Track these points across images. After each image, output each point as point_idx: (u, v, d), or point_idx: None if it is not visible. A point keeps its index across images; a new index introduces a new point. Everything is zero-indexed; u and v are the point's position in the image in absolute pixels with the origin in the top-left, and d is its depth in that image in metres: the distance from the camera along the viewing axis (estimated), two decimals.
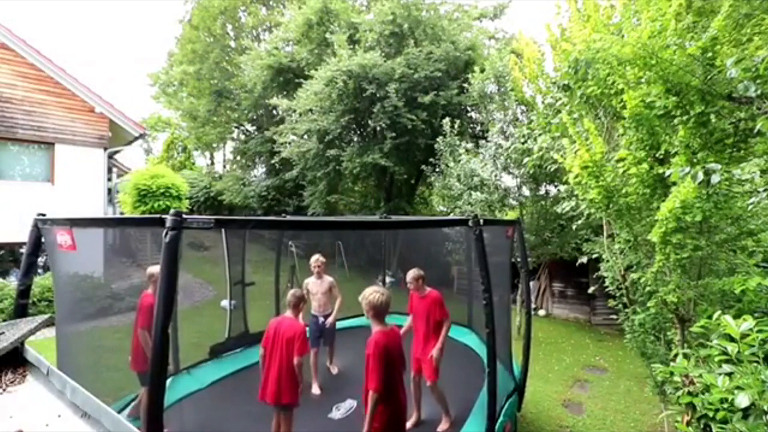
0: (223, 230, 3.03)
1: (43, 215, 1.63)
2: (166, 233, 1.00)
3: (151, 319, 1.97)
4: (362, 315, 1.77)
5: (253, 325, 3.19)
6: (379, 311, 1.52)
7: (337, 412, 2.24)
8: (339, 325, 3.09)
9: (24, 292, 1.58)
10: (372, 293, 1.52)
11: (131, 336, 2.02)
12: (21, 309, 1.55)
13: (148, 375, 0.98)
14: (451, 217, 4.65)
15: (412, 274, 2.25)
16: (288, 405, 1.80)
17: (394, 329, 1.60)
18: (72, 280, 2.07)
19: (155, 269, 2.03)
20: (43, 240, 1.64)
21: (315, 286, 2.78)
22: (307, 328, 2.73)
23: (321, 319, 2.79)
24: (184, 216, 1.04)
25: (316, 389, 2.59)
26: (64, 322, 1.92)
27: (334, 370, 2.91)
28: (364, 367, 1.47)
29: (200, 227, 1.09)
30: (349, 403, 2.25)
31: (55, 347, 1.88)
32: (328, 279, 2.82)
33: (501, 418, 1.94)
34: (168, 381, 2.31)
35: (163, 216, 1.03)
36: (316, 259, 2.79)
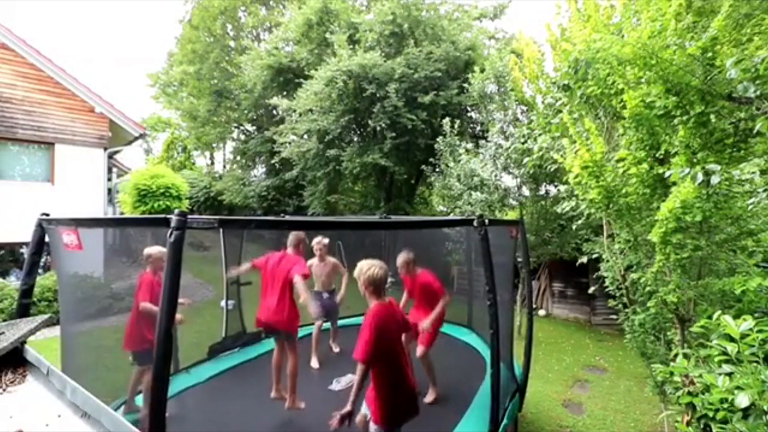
0: (221, 230, 3.03)
1: (47, 215, 1.63)
2: (171, 233, 1.00)
3: (151, 292, 1.96)
4: (364, 314, 1.76)
5: (250, 325, 3.19)
6: (378, 286, 1.46)
7: (338, 384, 2.25)
8: (340, 323, 3.10)
9: (27, 291, 1.57)
10: (369, 267, 1.46)
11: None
12: (23, 308, 1.54)
13: (152, 376, 0.98)
14: (454, 217, 4.65)
15: (401, 258, 2.23)
16: (290, 332, 1.76)
17: (392, 302, 1.54)
18: (80, 279, 2.06)
19: (152, 250, 2.03)
20: (46, 240, 1.65)
21: (318, 268, 2.73)
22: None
23: (325, 295, 2.76)
24: (188, 216, 1.04)
25: (315, 363, 2.58)
26: (69, 321, 1.92)
27: (336, 349, 2.89)
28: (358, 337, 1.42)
29: (204, 227, 1.08)
30: (350, 377, 2.26)
31: (55, 347, 1.88)
32: (331, 260, 2.81)
33: (504, 421, 1.94)
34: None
35: (168, 216, 1.03)
36: (318, 241, 2.73)
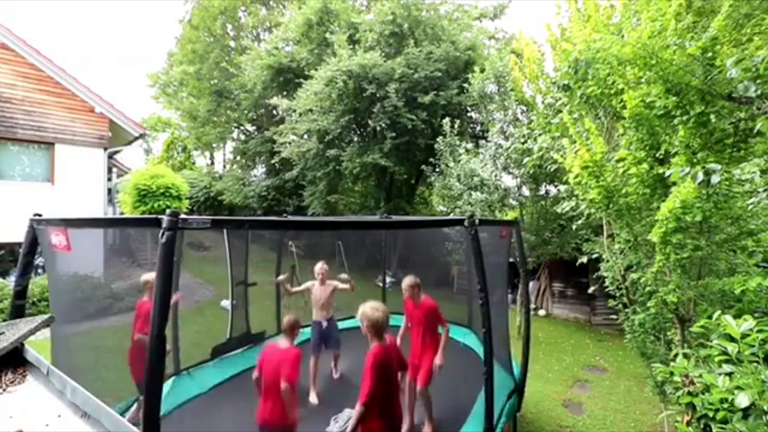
0: (225, 230, 3.03)
1: (39, 215, 1.62)
2: (163, 234, 0.99)
3: (148, 324, 1.97)
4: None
5: (255, 326, 3.19)
6: (379, 329, 1.52)
7: (335, 425, 2.20)
8: (339, 325, 3.09)
9: (20, 293, 1.57)
10: (372, 312, 1.52)
11: (129, 340, 2.01)
12: (18, 310, 1.54)
13: (145, 375, 0.98)
14: (449, 217, 4.65)
15: (407, 281, 2.24)
16: (287, 428, 1.77)
17: (392, 341, 1.60)
18: (66, 280, 2.05)
19: (150, 276, 2.01)
20: (39, 240, 1.64)
21: (319, 292, 2.77)
22: (310, 332, 2.75)
23: (324, 324, 2.78)
24: (181, 216, 1.03)
25: (313, 398, 2.54)
26: (59, 323, 1.90)
27: (336, 374, 2.89)
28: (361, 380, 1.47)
29: (197, 227, 1.08)
30: (348, 414, 2.23)
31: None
32: (331, 284, 2.80)
33: (502, 419, 1.94)
34: (170, 381, 2.33)
35: (159, 216, 1.02)
36: (320, 267, 2.79)
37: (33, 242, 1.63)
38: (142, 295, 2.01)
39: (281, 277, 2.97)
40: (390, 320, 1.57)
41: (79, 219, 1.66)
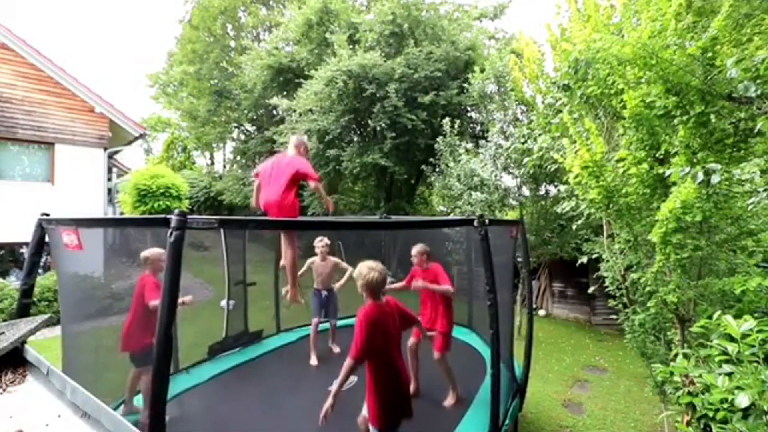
0: (222, 230, 3.03)
1: (47, 215, 1.63)
2: (171, 233, 1.00)
3: (158, 292, 1.98)
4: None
5: (252, 325, 3.19)
6: (374, 288, 1.48)
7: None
8: (339, 323, 3.10)
9: (27, 291, 1.57)
10: (368, 272, 1.48)
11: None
12: (24, 308, 1.54)
13: (152, 376, 0.98)
14: (454, 217, 4.65)
15: (418, 248, 2.26)
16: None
17: (390, 301, 1.55)
18: (81, 279, 2.06)
19: (149, 252, 2.04)
20: (47, 240, 1.64)
21: (320, 267, 2.83)
22: (311, 300, 2.80)
23: (324, 293, 2.83)
24: (188, 216, 1.03)
25: (314, 360, 2.62)
26: (70, 321, 1.92)
27: (336, 350, 2.93)
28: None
29: (204, 227, 1.08)
30: (350, 379, 2.26)
31: (55, 347, 1.88)
32: (332, 259, 2.87)
33: (507, 421, 1.93)
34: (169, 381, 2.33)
35: (168, 216, 1.03)
36: (320, 240, 2.82)
37: (40, 242, 1.62)
38: (143, 270, 2.03)
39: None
40: (387, 282, 1.53)
41: (87, 219, 1.66)
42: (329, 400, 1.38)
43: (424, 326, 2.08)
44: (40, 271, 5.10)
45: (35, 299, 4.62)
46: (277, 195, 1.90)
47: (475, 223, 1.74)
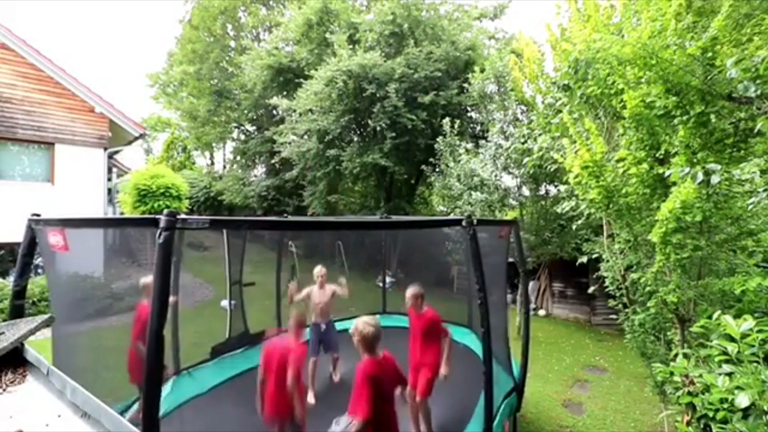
0: (224, 231, 3.03)
1: (37, 215, 1.62)
2: (160, 234, 0.98)
3: (145, 329, 1.97)
4: (361, 315, 1.72)
5: (254, 325, 3.19)
6: (370, 343, 1.50)
7: (337, 427, 2.22)
8: (338, 326, 3.09)
9: (19, 293, 1.56)
10: (363, 326, 1.50)
11: (128, 340, 2.00)
12: (17, 310, 1.53)
13: (145, 376, 0.97)
14: (447, 217, 4.64)
15: (411, 291, 2.24)
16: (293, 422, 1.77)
17: (386, 357, 1.57)
18: (65, 280, 2.04)
19: (149, 279, 1.98)
20: (38, 241, 1.64)
21: (318, 295, 2.81)
22: (308, 334, 2.75)
23: (323, 326, 2.81)
24: (179, 216, 1.02)
25: (311, 398, 2.57)
26: (60, 323, 1.89)
27: (336, 378, 2.91)
28: (352, 393, 1.45)
29: (195, 227, 1.07)
30: (349, 418, 2.23)
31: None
32: (330, 288, 2.84)
33: (497, 418, 1.93)
34: (170, 382, 2.33)
35: (156, 216, 1.01)
36: (319, 270, 2.83)
37: (31, 242, 1.62)
38: (140, 298, 2.00)
39: (293, 285, 2.98)
40: (382, 335, 1.54)
41: (76, 219, 1.65)
42: None
43: (411, 371, 2.09)
44: (39, 271, 5.09)
45: (36, 299, 4.61)
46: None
47: (464, 223, 1.74)
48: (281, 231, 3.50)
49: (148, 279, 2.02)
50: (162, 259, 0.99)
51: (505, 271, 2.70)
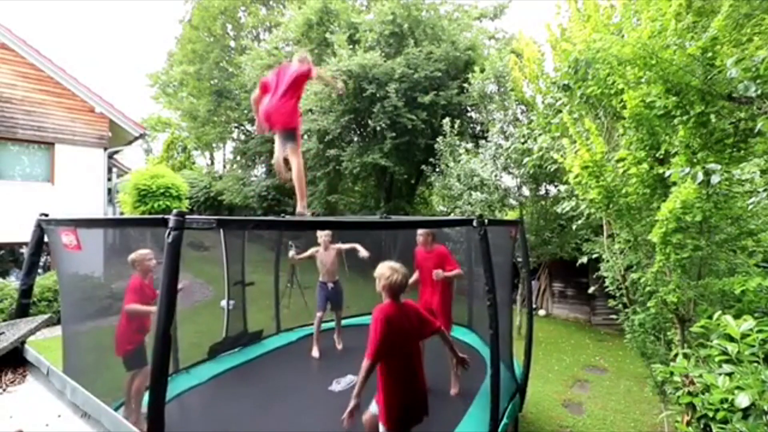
0: (221, 230, 3.03)
1: (46, 215, 1.63)
2: (169, 233, 1.00)
3: (137, 294, 1.91)
4: (366, 314, 1.72)
5: (252, 325, 3.19)
6: (395, 290, 1.43)
7: (338, 386, 2.27)
8: (345, 323, 3.10)
9: (26, 291, 1.57)
10: (391, 273, 1.41)
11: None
12: (23, 308, 1.55)
13: (150, 375, 0.97)
14: (453, 217, 4.64)
15: (424, 230, 2.27)
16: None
17: (408, 304, 1.50)
18: (80, 279, 2.06)
19: (137, 254, 2.04)
20: (46, 240, 1.64)
21: (323, 255, 2.88)
22: (316, 293, 2.84)
23: (330, 285, 2.88)
24: (187, 216, 1.03)
25: (315, 352, 2.64)
26: (71, 321, 1.91)
27: (339, 345, 2.94)
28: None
29: (202, 227, 1.08)
30: (350, 378, 2.27)
31: (55, 347, 1.87)
32: (334, 247, 2.90)
33: (504, 420, 1.94)
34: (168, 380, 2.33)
35: (166, 216, 1.02)
36: (323, 233, 2.87)
37: (39, 242, 1.62)
38: (131, 272, 2.04)
39: (292, 253, 2.96)
40: (407, 286, 1.48)
41: (86, 219, 1.68)
42: (352, 403, 1.33)
43: (422, 306, 2.01)
44: (39, 271, 5.10)
45: (35, 299, 4.62)
46: (276, 100, 1.91)
47: (474, 223, 1.74)
48: (282, 230, 3.50)
49: (135, 255, 2.04)
50: (171, 259, 0.99)
51: (511, 272, 2.70)
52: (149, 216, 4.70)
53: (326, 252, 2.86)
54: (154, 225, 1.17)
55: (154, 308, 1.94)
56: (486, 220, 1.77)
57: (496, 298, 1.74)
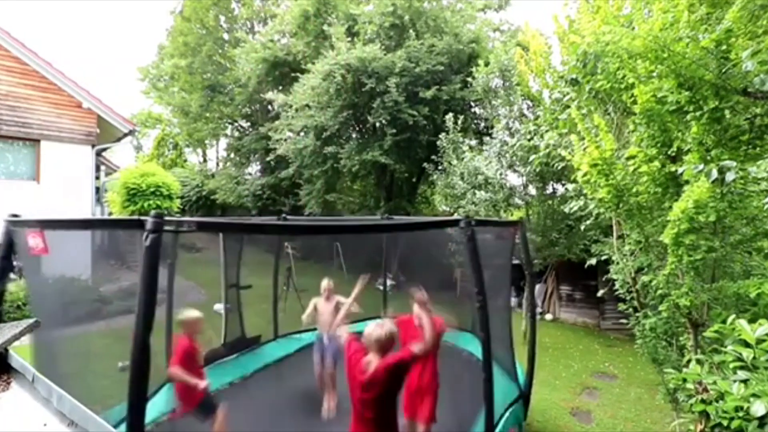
0: (220, 234, 2.92)
1: (16, 216, 1.53)
2: (147, 236, 0.93)
3: (185, 358, 1.84)
4: (362, 321, 1.63)
5: (250, 330, 3.09)
6: (383, 346, 1.41)
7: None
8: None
9: None
10: (374, 329, 1.41)
11: (117, 345, 1.94)
12: None
13: (129, 386, 0.89)
14: (444, 218, 4.54)
15: (419, 295, 2.05)
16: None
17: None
18: (47, 284, 1.95)
19: (184, 316, 1.96)
20: (16, 243, 1.53)
21: (323, 306, 2.81)
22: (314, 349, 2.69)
23: (325, 340, 2.77)
24: (166, 218, 0.96)
25: (328, 409, 2.46)
26: (41, 329, 1.80)
27: (329, 409, 2.72)
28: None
29: (182, 230, 1.03)
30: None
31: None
32: (335, 298, 2.81)
33: (499, 426, 1.87)
34: (164, 388, 2.24)
35: (143, 218, 0.96)
36: (326, 284, 2.82)
37: (9, 244, 1.53)
38: (179, 331, 1.98)
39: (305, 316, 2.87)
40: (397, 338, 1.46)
41: (56, 220, 1.57)
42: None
43: (411, 389, 1.90)
44: (12, 276, 4.90)
45: (21, 303, 4.45)
46: None
47: (461, 224, 1.66)
48: (267, 234, 3.38)
49: (183, 315, 1.97)
50: (149, 263, 0.93)
51: (509, 274, 2.62)
52: (124, 218, 4.53)
53: (327, 302, 2.76)
54: (130, 227, 1.08)
55: (202, 384, 1.86)
56: (473, 221, 1.71)
57: (487, 300, 1.68)
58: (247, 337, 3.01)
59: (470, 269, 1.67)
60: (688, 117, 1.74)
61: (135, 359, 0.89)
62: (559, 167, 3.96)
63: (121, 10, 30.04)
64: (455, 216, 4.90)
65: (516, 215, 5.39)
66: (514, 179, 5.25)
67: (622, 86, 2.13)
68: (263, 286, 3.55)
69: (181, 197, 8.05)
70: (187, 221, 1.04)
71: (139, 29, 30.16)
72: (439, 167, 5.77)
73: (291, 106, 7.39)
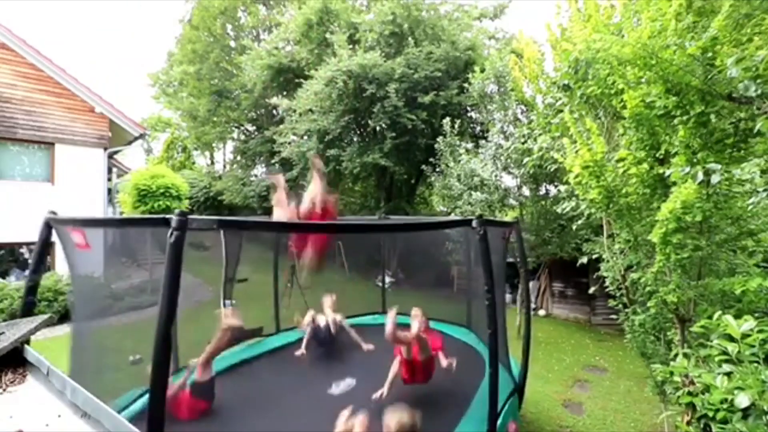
0: (222, 231, 3.03)
1: (54, 213, 1.62)
2: (171, 234, 1.00)
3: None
4: (364, 314, 1.71)
5: (249, 323, 3.19)
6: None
7: (336, 388, 2.28)
8: (350, 321, 3.09)
9: (32, 288, 1.56)
10: (398, 420, 1.41)
11: (131, 339, 2.02)
12: (28, 306, 1.53)
13: (151, 375, 0.98)
14: (454, 217, 4.64)
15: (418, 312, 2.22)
16: None
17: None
18: (91, 279, 2.05)
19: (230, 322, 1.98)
20: (53, 239, 1.63)
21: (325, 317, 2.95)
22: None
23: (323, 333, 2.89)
24: (189, 216, 1.04)
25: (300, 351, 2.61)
26: (83, 319, 1.91)
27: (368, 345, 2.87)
28: None
29: (204, 228, 1.11)
30: (348, 381, 2.28)
31: (54, 347, 1.88)
32: (338, 318, 2.94)
33: (500, 419, 1.94)
34: (169, 380, 2.34)
35: (168, 216, 1.03)
36: (332, 300, 2.98)
37: (47, 239, 1.61)
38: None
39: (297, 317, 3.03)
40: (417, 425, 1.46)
41: (92, 219, 1.68)
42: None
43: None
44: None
45: (50, 298, 4.61)
46: None
47: (474, 224, 1.74)
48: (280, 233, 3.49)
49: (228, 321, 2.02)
50: (173, 259, 1.00)
51: (504, 272, 2.71)
52: (152, 216, 4.72)
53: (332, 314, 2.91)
54: (157, 225, 1.17)
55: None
56: (485, 221, 1.79)
57: (495, 298, 1.75)
58: (245, 330, 3.10)
59: (481, 268, 1.72)
60: (676, 121, 1.80)
61: (157, 348, 0.96)
62: (552, 169, 4.08)
63: (132, 17, 31.01)
64: (452, 216, 5.00)
65: (510, 215, 5.50)
66: (508, 181, 5.36)
67: (612, 92, 2.19)
68: (266, 282, 3.65)
69: (190, 198, 8.28)
70: (207, 219, 1.10)
71: (149, 37, 31.14)
72: (437, 169, 5.90)
73: (295, 111, 7.58)
